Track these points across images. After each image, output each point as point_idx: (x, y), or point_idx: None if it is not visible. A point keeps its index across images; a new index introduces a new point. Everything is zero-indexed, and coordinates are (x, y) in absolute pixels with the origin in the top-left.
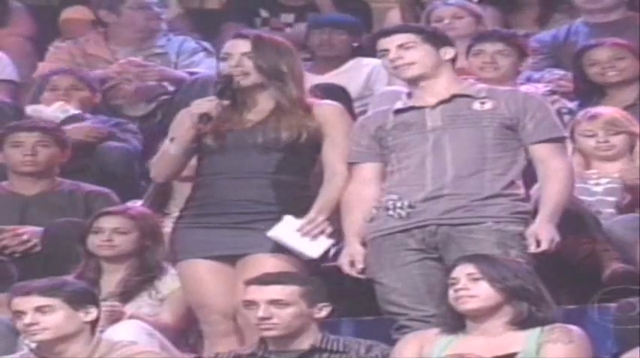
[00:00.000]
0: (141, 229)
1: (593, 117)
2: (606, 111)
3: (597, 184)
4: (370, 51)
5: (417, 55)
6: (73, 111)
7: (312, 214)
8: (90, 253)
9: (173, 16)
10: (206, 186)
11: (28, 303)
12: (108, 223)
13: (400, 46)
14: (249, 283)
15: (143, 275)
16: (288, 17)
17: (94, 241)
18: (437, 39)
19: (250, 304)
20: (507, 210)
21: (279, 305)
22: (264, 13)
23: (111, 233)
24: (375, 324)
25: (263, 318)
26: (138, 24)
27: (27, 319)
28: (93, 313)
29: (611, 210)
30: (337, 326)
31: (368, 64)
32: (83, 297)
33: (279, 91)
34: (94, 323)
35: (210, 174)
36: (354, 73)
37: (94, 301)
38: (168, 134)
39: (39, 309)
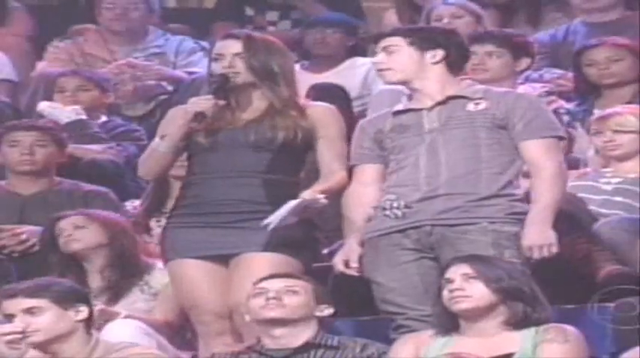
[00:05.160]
0: (99, 222)
1: (602, 117)
2: (616, 110)
3: (608, 183)
4: (366, 50)
5: (397, 59)
6: (84, 116)
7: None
8: (68, 256)
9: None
10: (196, 186)
11: (15, 306)
12: (67, 222)
13: (384, 49)
14: (260, 280)
15: (122, 268)
16: (273, 15)
17: (61, 241)
18: (425, 41)
19: (261, 292)
20: (503, 211)
21: (290, 293)
22: (249, 11)
23: (72, 229)
24: (373, 324)
25: (274, 298)
26: (105, 23)
27: (17, 321)
28: (84, 312)
29: (616, 212)
30: (335, 325)
31: (365, 63)
32: (71, 296)
33: (270, 91)
34: (87, 322)
35: (200, 173)
36: (350, 73)
37: (84, 299)
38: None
39: (28, 311)
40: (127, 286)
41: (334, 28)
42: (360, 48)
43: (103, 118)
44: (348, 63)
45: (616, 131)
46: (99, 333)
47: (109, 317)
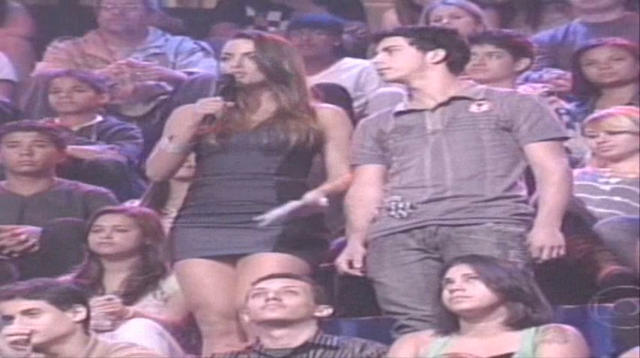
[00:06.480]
0: (142, 227)
1: (595, 119)
2: (609, 112)
3: (607, 183)
4: (357, 50)
5: (397, 59)
6: None
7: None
8: (92, 252)
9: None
10: (207, 186)
11: (14, 307)
12: (108, 221)
13: (385, 49)
14: (259, 280)
15: (146, 275)
16: (274, 15)
17: (94, 239)
18: (426, 41)
19: (260, 292)
20: (508, 212)
21: (289, 293)
22: (250, 12)
23: (111, 231)
24: (375, 324)
25: (273, 299)
26: (103, 24)
27: (16, 323)
28: (82, 313)
29: (615, 211)
30: (337, 326)
31: (356, 64)
32: (69, 297)
33: (281, 93)
34: (85, 323)
35: (211, 175)
36: (341, 75)
37: (82, 301)
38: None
39: (26, 312)
40: (144, 292)
41: (319, 29)
42: (359, 48)
43: (98, 118)
44: (336, 66)
45: (609, 132)
46: (112, 332)
47: (120, 313)
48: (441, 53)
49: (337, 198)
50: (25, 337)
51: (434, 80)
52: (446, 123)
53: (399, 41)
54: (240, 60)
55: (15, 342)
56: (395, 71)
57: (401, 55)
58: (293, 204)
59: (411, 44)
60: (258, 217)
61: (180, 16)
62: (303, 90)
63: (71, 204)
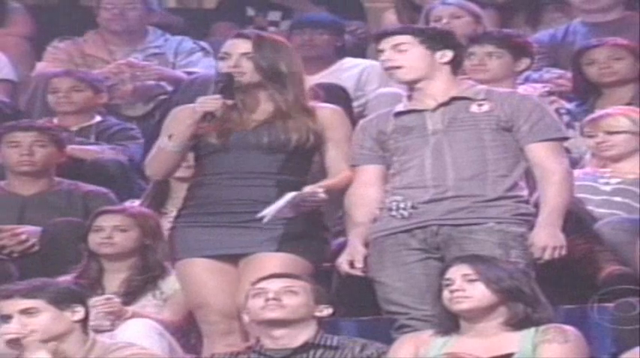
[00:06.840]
0: (141, 227)
1: (593, 119)
2: (607, 112)
3: (607, 184)
4: (358, 50)
5: (410, 57)
6: None
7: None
8: (91, 252)
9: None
10: (207, 186)
11: (12, 306)
12: (108, 221)
13: (394, 47)
14: (259, 280)
15: (145, 275)
16: (275, 15)
17: (94, 239)
18: (435, 41)
19: (260, 292)
20: (510, 212)
21: (289, 293)
22: (250, 11)
23: (111, 231)
24: (375, 324)
25: (273, 299)
26: (103, 24)
27: (14, 322)
28: (80, 312)
29: (616, 212)
30: (338, 326)
31: (357, 64)
32: (67, 297)
33: (277, 93)
34: (84, 323)
35: (212, 174)
36: (342, 75)
37: (80, 300)
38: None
39: (24, 312)
40: (143, 292)
41: (322, 29)
42: (359, 48)
43: (97, 118)
44: (337, 65)
45: (608, 132)
46: (112, 332)
47: (119, 313)
48: (448, 54)
49: (337, 196)
50: (23, 336)
51: (440, 81)
52: (446, 123)
53: (409, 39)
54: (238, 60)
55: (11, 341)
56: (408, 71)
57: (411, 54)
58: (291, 195)
59: (421, 43)
60: (260, 214)
61: (180, 16)
62: (300, 90)
63: (71, 204)
